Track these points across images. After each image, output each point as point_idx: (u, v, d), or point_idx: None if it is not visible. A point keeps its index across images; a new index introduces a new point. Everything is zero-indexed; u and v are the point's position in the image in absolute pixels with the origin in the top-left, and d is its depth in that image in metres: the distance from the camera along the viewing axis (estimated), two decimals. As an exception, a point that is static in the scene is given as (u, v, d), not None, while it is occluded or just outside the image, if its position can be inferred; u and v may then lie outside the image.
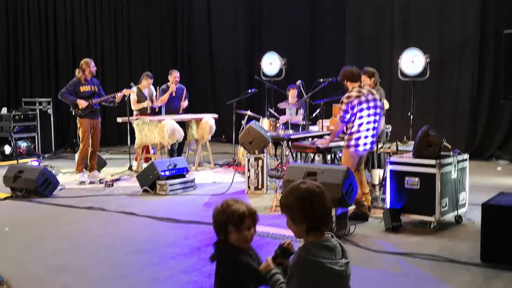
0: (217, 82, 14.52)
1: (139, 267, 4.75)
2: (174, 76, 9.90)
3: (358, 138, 6.11)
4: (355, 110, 6.05)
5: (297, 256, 2.33)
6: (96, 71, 8.86)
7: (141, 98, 9.59)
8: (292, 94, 9.78)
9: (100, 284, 4.38)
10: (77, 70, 8.71)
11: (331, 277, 2.28)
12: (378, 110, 6.21)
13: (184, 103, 10.05)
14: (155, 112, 9.88)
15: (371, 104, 6.13)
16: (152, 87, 9.79)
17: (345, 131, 6.29)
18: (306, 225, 2.31)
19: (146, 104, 9.56)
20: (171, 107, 9.95)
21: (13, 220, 6.39)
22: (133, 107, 9.56)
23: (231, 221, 2.55)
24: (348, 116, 6.09)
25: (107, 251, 5.22)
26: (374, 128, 6.21)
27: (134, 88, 9.41)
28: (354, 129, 6.11)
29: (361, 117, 6.07)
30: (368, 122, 6.12)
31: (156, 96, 9.79)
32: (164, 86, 9.89)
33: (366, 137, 6.15)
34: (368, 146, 6.23)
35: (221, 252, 2.61)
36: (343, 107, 6.09)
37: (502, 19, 10.12)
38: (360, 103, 6.05)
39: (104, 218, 6.48)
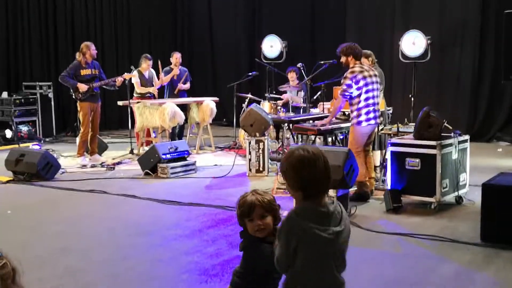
0: (218, 65, 14.48)
1: (141, 249, 4.78)
2: (176, 58, 9.88)
3: (368, 112, 6.12)
4: (360, 85, 6.05)
5: (286, 218, 2.26)
6: (96, 54, 8.84)
7: (143, 81, 9.58)
8: (291, 76, 9.76)
9: (103, 265, 4.41)
10: (77, 54, 8.68)
11: (316, 243, 2.21)
12: (376, 86, 6.24)
13: (185, 86, 10.02)
14: (158, 92, 9.89)
15: (374, 79, 6.17)
16: (152, 70, 9.77)
17: (351, 109, 6.26)
18: (301, 192, 2.25)
19: (152, 89, 9.56)
20: (174, 89, 9.95)
21: (15, 203, 6.42)
22: (138, 90, 9.54)
23: (243, 213, 2.56)
24: (350, 90, 6.07)
25: (109, 233, 5.25)
26: (377, 103, 6.25)
27: (135, 72, 9.38)
28: (362, 104, 6.10)
29: (367, 91, 6.10)
30: (373, 97, 6.16)
31: (158, 77, 9.78)
32: (167, 68, 9.88)
33: (374, 111, 6.18)
34: (377, 120, 6.28)
35: (244, 241, 2.64)
36: (347, 81, 6.07)
37: (503, 0, 10.04)
38: (364, 78, 6.07)
39: (105, 201, 6.51)
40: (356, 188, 6.24)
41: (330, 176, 2.28)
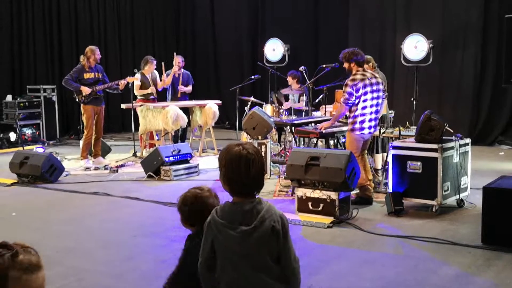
0: (221, 68, 14.53)
1: (145, 249, 4.82)
2: (177, 61, 9.93)
3: (362, 121, 6.14)
4: (359, 93, 6.06)
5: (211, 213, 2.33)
6: (100, 59, 8.89)
7: (145, 83, 9.61)
8: (289, 81, 9.79)
9: (107, 265, 4.46)
10: (81, 57, 8.74)
11: (226, 240, 2.24)
12: (380, 94, 6.25)
13: (187, 88, 10.06)
14: (159, 94, 9.92)
15: (375, 87, 6.16)
16: (155, 71, 9.80)
17: (348, 115, 6.30)
18: (228, 187, 2.29)
19: (151, 90, 9.57)
20: (176, 93, 10.00)
21: (19, 205, 6.47)
22: (136, 93, 9.58)
23: (195, 208, 2.67)
24: (352, 99, 6.09)
25: (113, 235, 5.30)
26: (376, 112, 6.25)
27: (138, 75, 9.43)
28: (357, 112, 6.13)
29: (365, 100, 6.10)
30: (371, 106, 6.15)
31: (160, 79, 9.82)
32: (169, 71, 9.93)
33: (370, 120, 6.18)
34: (372, 130, 6.28)
35: (191, 243, 2.70)
36: (348, 89, 6.08)
37: (505, 3, 10.09)
38: (365, 86, 6.06)
39: (109, 203, 6.55)
40: (358, 192, 6.27)
41: (261, 178, 2.30)
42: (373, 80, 6.17)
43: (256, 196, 2.31)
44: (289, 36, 11.79)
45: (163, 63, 9.83)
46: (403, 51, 9.16)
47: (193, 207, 2.63)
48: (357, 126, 6.14)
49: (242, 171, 2.24)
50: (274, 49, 10.94)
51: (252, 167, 2.24)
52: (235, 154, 2.26)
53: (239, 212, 2.25)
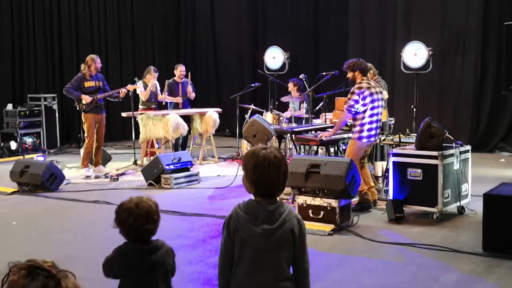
0: (221, 76, 14.55)
1: (145, 259, 4.81)
2: (180, 70, 9.95)
3: (370, 129, 6.18)
4: (367, 101, 6.09)
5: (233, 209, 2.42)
6: (101, 68, 8.91)
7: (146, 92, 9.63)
8: (290, 87, 9.81)
9: (107, 275, 4.44)
10: (82, 65, 8.76)
11: (246, 234, 2.32)
12: (381, 103, 6.29)
13: (191, 95, 10.08)
14: (160, 106, 9.93)
15: (379, 96, 6.23)
16: (156, 82, 9.82)
17: (353, 123, 6.34)
18: (254, 188, 2.36)
19: (150, 85, 9.53)
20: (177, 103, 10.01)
21: (20, 214, 6.47)
22: (143, 98, 9.58)
23: (141, 217, 2.66)
24: (356, 106, 6.12)
25: (114, 243, 5.24)
26: (380, 120, 6.29)
27: (139, 83, 9.45)
28: (365, 121, 6.16)
29: (372, 108, 6.15)
30: (377, 114, 6.21)
31: (161, 90, 9.83)
32: (170, 81, 9.94)
33: (376, 128, 6.25)
34: (376, 138, 6.36)
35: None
36: (354, 96, 6.11)
37: (504, 10, 10.13)
38: (371, 94, 6.11)
39: (109, 211, 6.51)
40: (357, 199, 6.27)
41: (285, 181, 2.39)
42: (377, 89, 6.26)
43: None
44: (289, 44, 11.83)
45: (166, 81, 9.83)
46: (403, 59, 9.18)
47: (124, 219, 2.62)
48: (365, 134, 6.17)
49: (270, 173, 2.32)
50: (274, 57, 10.97)
51: (279, 170, 2.34)
52: (263, 157, 2.34)
53: (264, 211, 2.33)
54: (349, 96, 6.18)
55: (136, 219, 2.49)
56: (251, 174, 2.35)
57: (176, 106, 9.98)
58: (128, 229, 2.52)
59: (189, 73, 10.01)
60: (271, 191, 2.37)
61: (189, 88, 9.99)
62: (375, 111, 6.18)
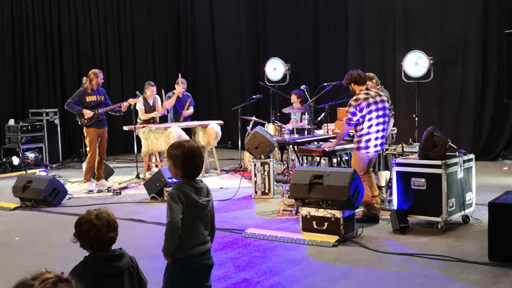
0: (222, 88, 14.57)
1: (148, 272, 4.73)
2: (182, 86, 9.95)
3: (368, 140, 6.13)
4: (364, 112, 6.06)
5: (172, 189, 3.11)
6: (102, 83, 8.93)
7: (147, 108, 9.65)
8: (293, 99, 9.82)
9: (110, 290, 4.41)
10: (84, 79, 8.77)
11: (196, 206, 3.06)
12: (386, 112, 6.24)
13: (188, 112, 10.08)
14: (160, 120, 9.93)
15: (380, 105, 6.15)
16: (157, 96, 9.83)
17: (353, 133, 6.32)
18: (182, 172, 3.11)
19: (155, 114, 9.62)
20: (178, 115, 10.02)
21: (23, 230, 6.44)
22: (141, 117, 9.62)
23: (103, 226, 2.73)
24: (355, 118, 6.10)
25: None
26: (383, 130, 6.23)
27: (140, 98, 9.46)
28: (363, 131, 6.12)
29: (370, 119, 6.09)
30: (377, 124, 6.14)
31: (161, 103, 9.83)
32: (170, 94, 9.95)
33: (376, 138, 6.17)
34: (378, 148, 6.27)
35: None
36: (351, 109, 6.09)
37: (504, 18, 10.14)
38: (368, 105, 6.07)
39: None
40: (364, 209, 6.23)
41: (201, 163, 3.19)
42: (378, 99, 6.16)
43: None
44: (289, 55, 11.85)
45: (162, 90, 9.84)
46: (404, 68, 9.19)
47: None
48: (362, 145, 6.14)
49: (197, 159, 3.13)
50: (275, 69, 10.99)
51: (201, 157, 3.17)
52: (189, 147, 3.12)
53: (199, 188, 3.13)
54: (347, 109, 6.19)
55: (99, 229, 2.61)
56: (181, 161, 3.09)
57: (177, 119, 9.98)
58: (92, 240, 2.62)
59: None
60: (196, 172, 3.14)
61: (188, 104, 9.98)
62: (374, 121, 6.11)
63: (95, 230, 2.61)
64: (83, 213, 2.73)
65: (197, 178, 3.16)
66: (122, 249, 2.72)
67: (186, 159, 3.08)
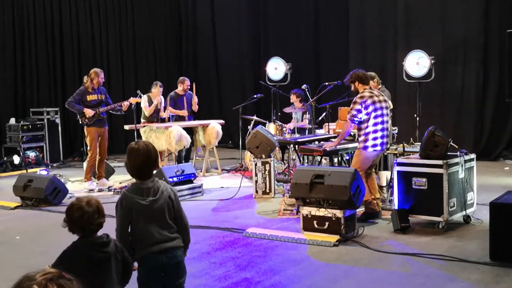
0: (223, 88, 14.57)
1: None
2: (186, 84, 9.94)
3: (375, 139, 6.12)
4: (369, 110, 6.06)
5: (120, 195, 3.25)
6: (103, 82, 8.92)
7: (151, 107, 9.64)
8: (292, 99, 9.81)
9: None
10: (85, 78, 8.76)
11: (138, 207, 3.13)
12: (386, 111, 6.25)
13: (196, 107, 10.07)
14: (163, 120, 9.93)
15: (383, 105, 6.17)
16: (161, 96, 9.82)
17: (355, 133, 6.30)
18: (130, 173, 3.25)
19: (156, 102, 9.55)
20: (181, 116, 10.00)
21: (23, 229, 6.44)
22: (146, 113, 9.60)
23: (94, 213, 2.92)
24: (359, 115, 6.09)
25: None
26: (386, 129, 6.24)
27: (144, 97, 9.45)
28: (369, 130, 6.11)
29: (376, 117, 6.09)
30: (382, 122, 6.15)
31: (165, 105, 9.79)
32: (172, 94, 9.93)
33: (382, 136, 6.17)
34: (384, 146, 6.27)
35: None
36: (356, 106, 6.08)
37: (505, 17, 10.13)
38: (374, 103, 6.07)
39: (113, 225, 6.50)
40: (363, 209, 6.23)
41: (153, 167, 3.23)
42: (381, 98, 6.20)
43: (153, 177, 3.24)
44: (291, 54, 11.84)
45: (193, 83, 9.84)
46: (405, 68, 9.19)
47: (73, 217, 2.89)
48: (370, 143, 6.12)
49: (139, 160, 3.18)
50: (276, 68, 10.99)
51: (140, 158, 3.18)
52: (133, 148, 3.21)
53: (145, 189, 3.17)
54: (351, 106, 6.17)
55: (91, 215, 2.80)
56: (128, 162, 3.21)
57: (178, 118, 9.97)
58: (84, 225, 2.81)
59: (194, 84, 10.01)
60: (140, 174, 3.20)
61: (195, 99, 9.99)
62: (379, 119, 6.13)
63: (87, 216, 2.80)
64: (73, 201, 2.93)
65: (151, 178, 3.22)
66: (108, 235, 2.90)
67: (131, 160, 3.19)
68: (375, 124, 6.10)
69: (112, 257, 2.83)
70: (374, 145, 6.13)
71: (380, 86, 7.32)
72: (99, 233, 2.86)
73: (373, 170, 6.49)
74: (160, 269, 3.18)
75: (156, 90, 9.68)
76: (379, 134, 6.14)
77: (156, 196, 3.16)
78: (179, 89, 9.94)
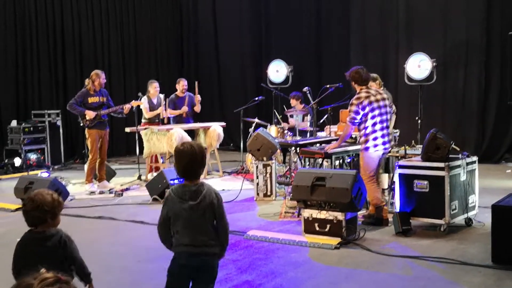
0: (225, 90, 14.57)
1: (150, 275, 4.77)
2: (182, 85, 9.94)
3: (375, 138, 6.09)
4: (366, 111, 6.04)
5: (168, 190, 3.31)
6: (105, 84, 8.92)
7: (151, 106, 9.63)
8: (292, 102, 9.79)
9: (112, 292, 4.40)
10: (87, 80, 8.76)
11: (177, 210, 3.16)
12: (388, 109, 6.22)
13: (196, 108, 10.06)
14: (163, 121, 9.92)
15: (381, 103, 6.14)
16: (160, 95, 9.80)
17: (358, 135, 6.28)
18: (176, 172, 3.24)
19: (160, 110, 9.56)
20: (181, 116, 9.99)
21: (24, 231, 6.40)
22: (146, 116, 9.60)
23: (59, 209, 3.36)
24: (358, 117, 6.07)
25: (118, 259, 5.25)
26: (387, 127, 6.21)
27: (144, 99, 9.45)
28: (368, 130, 6.09)
29: (373, 117, 6.07)
30: (381, 121, 6.12)
31: (165, 105, 9.78)
32: (172, 96, 9.92)
33: (383, 136, 6.13)
34: (387, 146, 6.22)
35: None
36: (354, 108, 6.07)
37: (507, 20, 10.12)
38: (370, 103, 6.05)
39: (114, 227, 6.51)
40: (373, 212, 6.18)
41: (198, 167, 3.21)
42: (378, 97, 6.15)
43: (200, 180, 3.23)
44: (292, 57, 11.84)
45: (165, 98, 9.80)
46: (407, 70, 9.18)
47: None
48: (371, 143, 6.10)
49: (186, 161, 3.16)
50: (278, 71, 10.99)
51: (188, 160, 3.16)
52: (181, 149, 3.19)
53: (188, 191, 3.18)
54: (349, 108, 6.16)
55: (29, 209, 3.15)
56: (175, 161, 3.21)
57: (179, 120, 9.95)
58: (31, 218, 3.17)
59: (196, 83, 9.98)
60: (188, 175, 3.20)
61: (198, 98, 9.96)
62: (377, 119, 6.09)
63: (37, 211, 3.11)
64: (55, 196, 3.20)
65: (197, 180, 3.21)
66: (55, 229, 3.18)
67: (177, 161, 3.20)
68: (374, 124, 6.08)
69: (51, 253, 3.08)
70: (375, 145, 6.11)
71: (382, 88, 7.30)
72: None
73: (380, 171, 6.46)
74: (190, 269, 3.21)
75: (153, 88, 9.65)
76: (379, 133, 6.11)
77: (197, 200, 3.14)
78: (178, 91, 9.93)
